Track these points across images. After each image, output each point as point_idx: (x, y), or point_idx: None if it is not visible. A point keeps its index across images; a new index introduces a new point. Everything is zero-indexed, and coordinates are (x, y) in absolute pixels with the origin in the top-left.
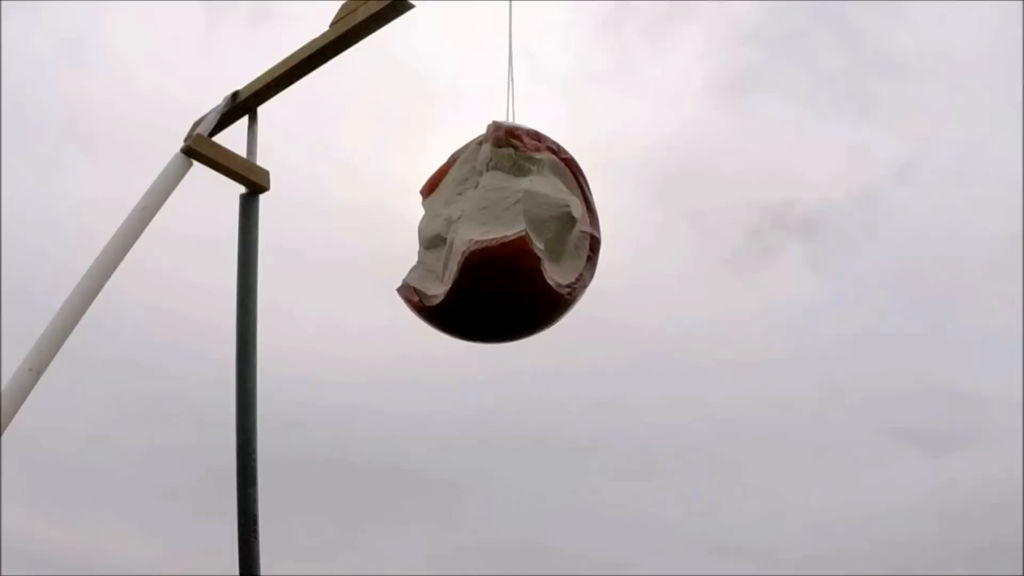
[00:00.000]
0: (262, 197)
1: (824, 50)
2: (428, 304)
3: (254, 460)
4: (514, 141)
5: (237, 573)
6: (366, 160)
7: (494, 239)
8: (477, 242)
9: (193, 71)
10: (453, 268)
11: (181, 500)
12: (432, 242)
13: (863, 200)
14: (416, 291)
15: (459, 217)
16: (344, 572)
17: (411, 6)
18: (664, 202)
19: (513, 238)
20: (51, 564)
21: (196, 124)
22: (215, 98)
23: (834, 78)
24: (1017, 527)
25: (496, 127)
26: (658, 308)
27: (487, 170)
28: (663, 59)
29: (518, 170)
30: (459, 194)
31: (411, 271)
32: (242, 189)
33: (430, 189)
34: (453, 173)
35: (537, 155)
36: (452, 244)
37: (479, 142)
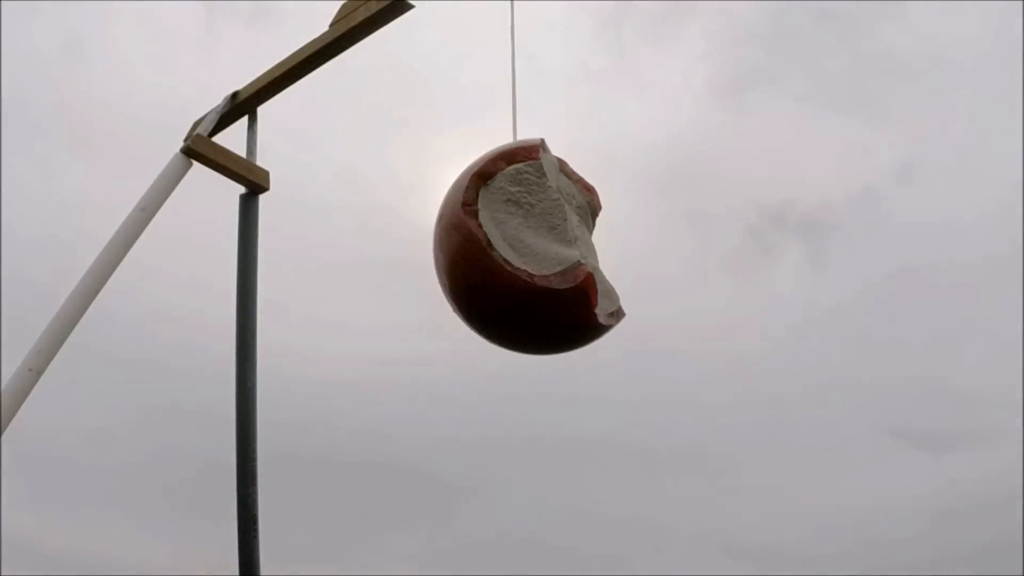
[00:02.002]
0: (262, 197)
1: (824, 50)
2: (596, 311)
3: (254, 460)
4: (596, 202)
5: (237, 573)
6: (366, 160)
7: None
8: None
9: (193, 71)
10: (615, 302)
11: (182, 500)
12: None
13: (863, 200)
14: (597, 295)
15: (578, 239)
16: (344, 572)
17: (411, 6)
18: (664, 202)
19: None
20: (51, 564)
21: (196, 124)
22: (215, 98)
23: (834, 78)
24: (1017, 527)
25: (588, 186)
26: (658, 308)
27: (568, 205)
28: (663, 59)
29: (587, 225)
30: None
31: (583, 254)
32: (242, 189)
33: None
34: (545, 164)
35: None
36: (598, 269)
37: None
